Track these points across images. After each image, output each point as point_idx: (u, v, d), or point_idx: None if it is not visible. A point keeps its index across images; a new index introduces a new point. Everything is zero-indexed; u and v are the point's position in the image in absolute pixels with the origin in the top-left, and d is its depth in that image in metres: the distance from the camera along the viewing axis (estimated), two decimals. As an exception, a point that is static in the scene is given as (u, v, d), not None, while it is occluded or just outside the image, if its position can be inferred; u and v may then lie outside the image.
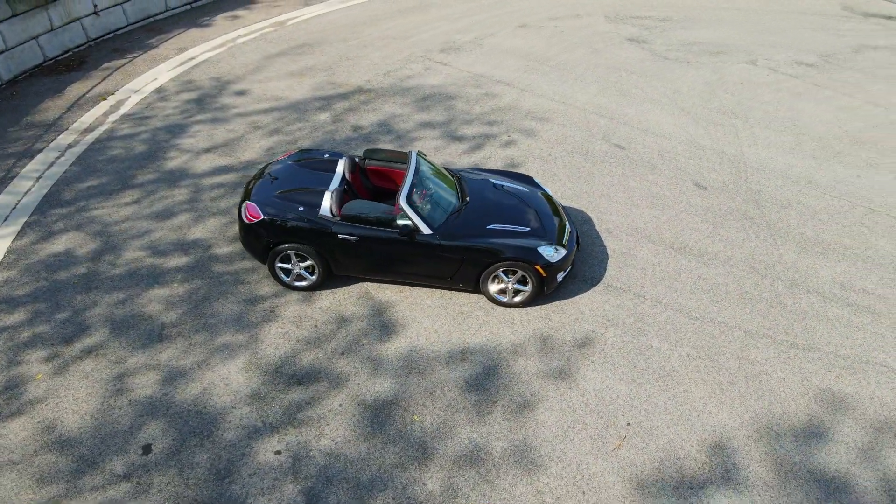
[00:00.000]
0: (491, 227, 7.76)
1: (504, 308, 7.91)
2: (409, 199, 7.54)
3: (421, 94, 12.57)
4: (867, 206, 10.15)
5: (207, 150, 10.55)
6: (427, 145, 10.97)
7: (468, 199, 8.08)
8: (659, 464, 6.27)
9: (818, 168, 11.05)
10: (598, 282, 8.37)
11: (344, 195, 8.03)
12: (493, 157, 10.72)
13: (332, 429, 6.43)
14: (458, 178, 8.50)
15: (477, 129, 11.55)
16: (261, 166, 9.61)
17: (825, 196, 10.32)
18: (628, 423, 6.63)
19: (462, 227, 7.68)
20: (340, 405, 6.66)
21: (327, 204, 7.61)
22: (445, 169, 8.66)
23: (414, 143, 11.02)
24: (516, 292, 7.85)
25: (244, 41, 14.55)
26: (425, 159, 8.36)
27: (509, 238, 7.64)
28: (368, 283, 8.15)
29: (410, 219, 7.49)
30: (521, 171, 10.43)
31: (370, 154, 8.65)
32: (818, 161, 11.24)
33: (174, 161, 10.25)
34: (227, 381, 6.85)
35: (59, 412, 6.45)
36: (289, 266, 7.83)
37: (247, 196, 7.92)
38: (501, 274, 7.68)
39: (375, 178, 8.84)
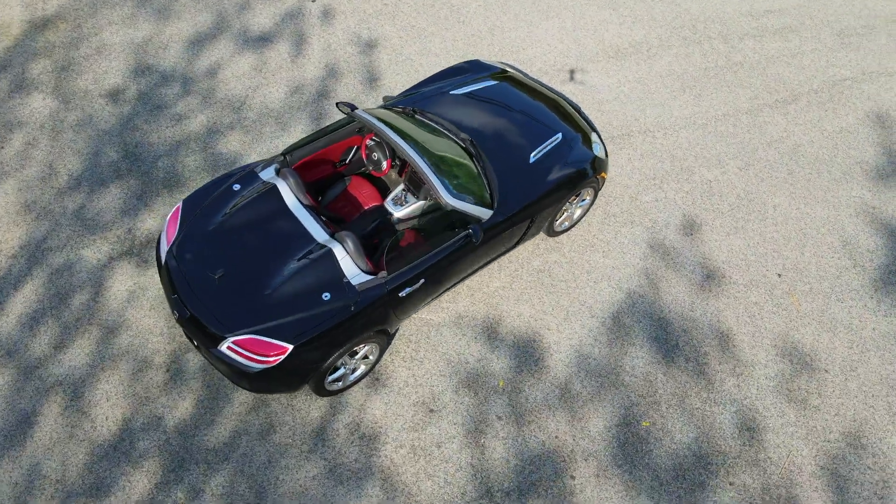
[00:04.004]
0: (533, 158, 5.75)
1: (566, 235, 6.38)
2: (450, 191, 5.08)
3: (134, -8, 8.05)
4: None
5: (-75, 273, 5.74)
6: (236, 69, 7.35)
7: (464, 135, 5.72)
8: (837, 295, 6.14)
9: None
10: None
11: (363, 238, 5.17)
12: (335, 45, 7.68)
13: (600, 512, 4.94)
14: (423, 114, 5.89)
15: (264, 10, 7.99)
16: (156, 269, 5.67)
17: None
18: (779, 275, 6.24)
19: (510, 179, 5.55)
20: (595, 474, 5.06)
21: (351, 265, 4.78)
22: (391, 109, 5.92)
23: (217, 77, 7.28)
24: (575, 211, 6.30)
25: None
26: (369, 112, 5.53)
27: (561, 160, 5.79)
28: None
29: (464, 213, 5.15)
30: (384, 47, 7.72)
31: (290, 150, 5.47)
32: None
33: None
34: (435, 570, 4.66)
35: None
36: (341, 370, 5.09)
37: (210, 329, 4.57)
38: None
39: (310, 174, 5.79)
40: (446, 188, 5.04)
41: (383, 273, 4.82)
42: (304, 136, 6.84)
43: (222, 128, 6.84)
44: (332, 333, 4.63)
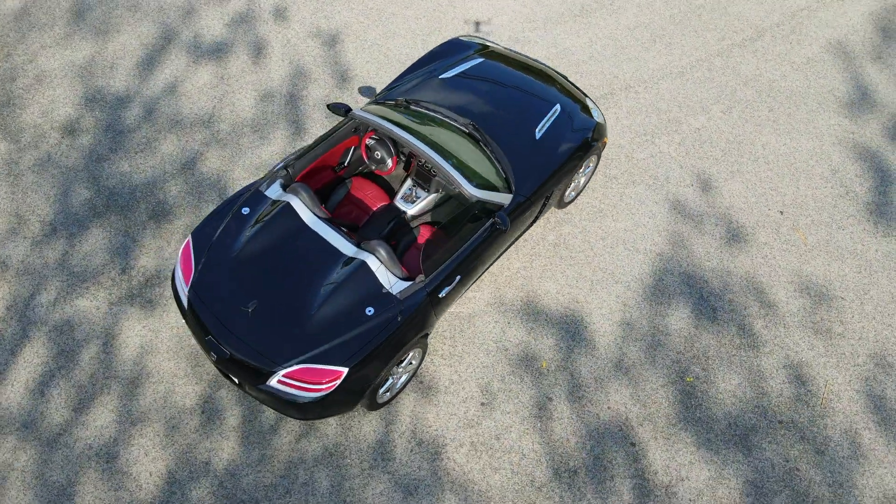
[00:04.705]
0: (539, 133, 5.64)
1: (574, 204, 6.34)
2: (473, 183, 4.94)
3: (70, 9, 7.38)
4: None
5: None
6: (197, 81, 6.88)
7: (465, 120, 5.54)
8: (837, 223, 6.35)
9: None
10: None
11: (388, 242, 4.97)
12: (294, 40, 7.28)
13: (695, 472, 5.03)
14: (418, 105, 5.65)
15: (210, 12, 7.48)
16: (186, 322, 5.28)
17: None
18: (781, 212, 6.40)
19: (522, 158, 5.44)
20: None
21: (388, 275, 4.61)
22: (384, 104, 5.66)
23: (177, 91, 6.80)
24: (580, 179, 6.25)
25: None
26: (368, 111, 5.29)
27: (566, 130, 5.71)
28: (441, 306, 5.67)
29: (488, 202, 5.03)
30: (346, 34, 7.37)
31: (291, 163, 5.17)
32: None
33: None
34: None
35: None
36: (389, 380, 4.94)
37: (256, 366, 4.34)
38: (573, 173, 5.93)
39: (312, 182, 5.51)
40: (467, 180, 4.90)
41: (421, 277, 4.67)
42: (285, 141, 6.50)
43: (196, 145, 6.43)
44: (383, 347, 4.47)
